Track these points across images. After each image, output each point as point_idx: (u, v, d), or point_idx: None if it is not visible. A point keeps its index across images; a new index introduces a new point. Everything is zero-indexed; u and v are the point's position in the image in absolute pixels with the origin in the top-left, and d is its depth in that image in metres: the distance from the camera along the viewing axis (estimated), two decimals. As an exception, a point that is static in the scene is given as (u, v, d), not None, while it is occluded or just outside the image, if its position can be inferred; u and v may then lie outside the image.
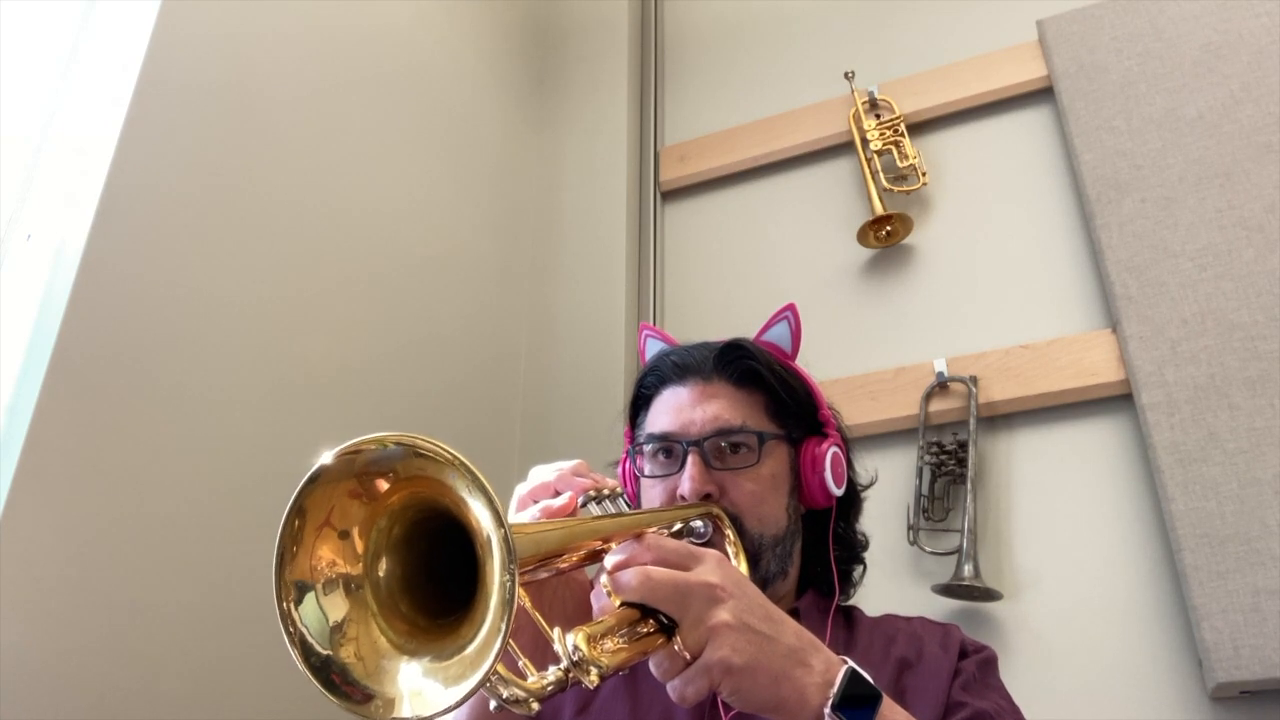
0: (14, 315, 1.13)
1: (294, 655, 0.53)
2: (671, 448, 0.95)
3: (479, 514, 0.51)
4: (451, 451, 0.52)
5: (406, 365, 1.66)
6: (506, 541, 0.50)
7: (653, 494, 0.96)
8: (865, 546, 1.05)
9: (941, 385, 1.69)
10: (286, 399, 1.38)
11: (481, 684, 0.49)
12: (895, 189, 1.88)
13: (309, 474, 0.54)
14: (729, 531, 0.90)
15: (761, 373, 0.97)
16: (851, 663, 0.68)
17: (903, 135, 1.91)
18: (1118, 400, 1.59)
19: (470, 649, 0.51)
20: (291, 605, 0.54)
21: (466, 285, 1.89)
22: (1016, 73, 1.92)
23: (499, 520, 0.50)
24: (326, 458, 0.54)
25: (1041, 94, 1.90)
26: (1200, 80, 1.71)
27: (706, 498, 0.91)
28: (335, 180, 1.58)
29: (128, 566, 1.11)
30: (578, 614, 0.77)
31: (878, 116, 1.98)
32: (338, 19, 1.66)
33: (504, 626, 0.49)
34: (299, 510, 0.54)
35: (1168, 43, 1.77)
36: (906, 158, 1.89)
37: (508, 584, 0.49)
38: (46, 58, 1.30)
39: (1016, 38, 1.95)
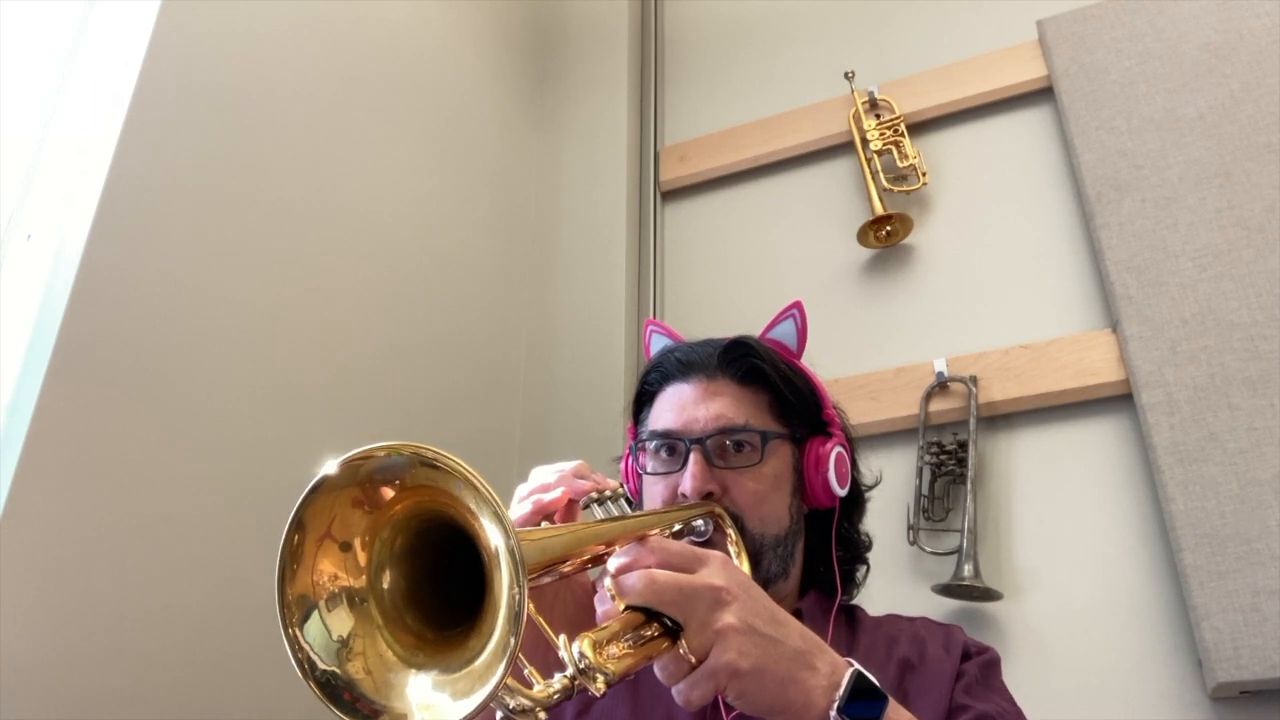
0: (14, 315, 1.13)
1: (300, 675, 0.53)
2: (674, 445, 0.95)
3: (487, 526, 0.50)
4: (460, 464, 0.51)
5: (406, 365, 1.66)
6: (515, 554, 0.49)
7: (654, 491, 0.96)
8: (869, 547, 1.05)
9: (941, 385, 1.68)
10: (286, 399, 1.37)
11: (491, 698, 0.49)
12: (895, 189, 1.88)
13: (311, 483, 0.53)
14: (730, 530, 0.90)
15: (766, 371, 0.97)
16: (857, 665, 0.68)
17: (903, 135, 1.91)
18: (1118, 400, 1.59)
19: (478, 662, 0.50)
20: (297, 629, 0.53)
21: (466, 286, 1.89)
22: (1016, 73, 1.92)
23: (507, 533, 0.50)
24: (330, 466, 0.53)
25: (1041, 94, 1.90)
26: (1200, 80, 1.71)
27: (708, 496, 0.91)
28: (335, 180, 1.58)
29: (128, 566, 1.11)
30: (580, 616, 0.77)
31: (878, 116, 1.98)
32: (338, 19, 1.65)
33: (512, 640, 0.49)
34: (298, 525, 0.53)
35: (1168, 43, 1.77)
36: (906, 158, 1.89)
37: (517, 597, 0.49)
38: (46, 58, 1.30)
39: (1016, 38, 1.95)
